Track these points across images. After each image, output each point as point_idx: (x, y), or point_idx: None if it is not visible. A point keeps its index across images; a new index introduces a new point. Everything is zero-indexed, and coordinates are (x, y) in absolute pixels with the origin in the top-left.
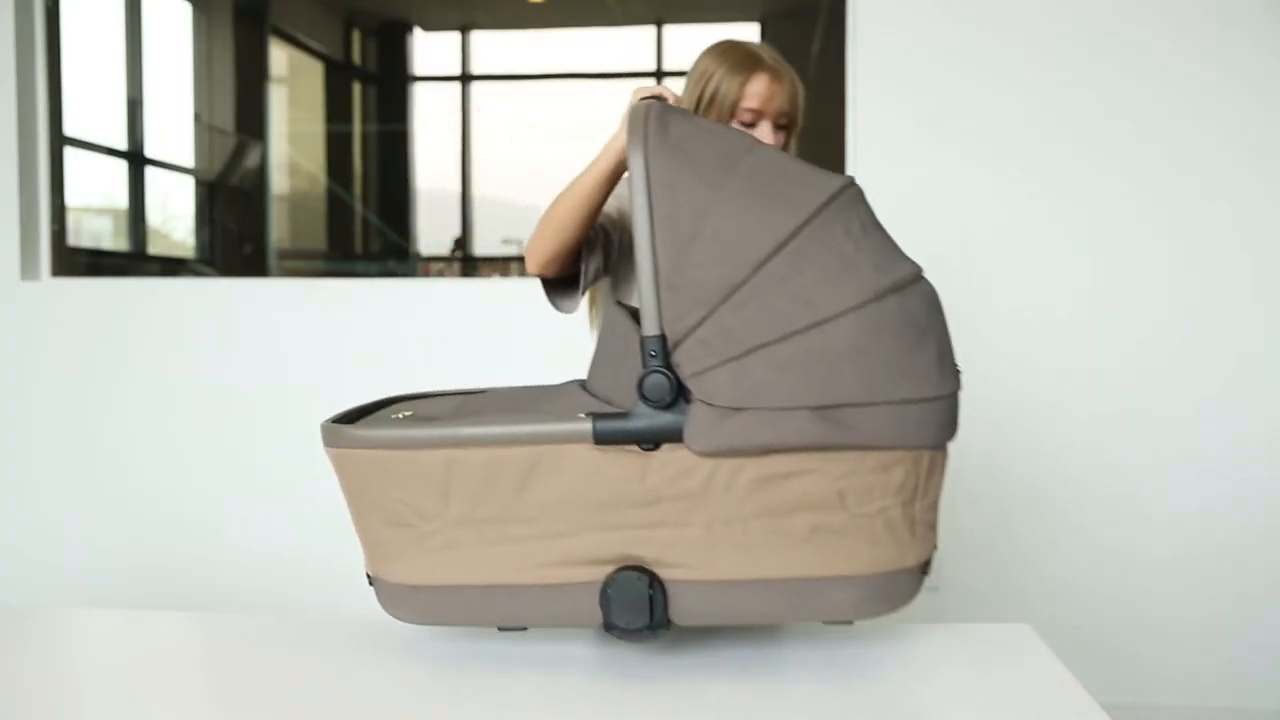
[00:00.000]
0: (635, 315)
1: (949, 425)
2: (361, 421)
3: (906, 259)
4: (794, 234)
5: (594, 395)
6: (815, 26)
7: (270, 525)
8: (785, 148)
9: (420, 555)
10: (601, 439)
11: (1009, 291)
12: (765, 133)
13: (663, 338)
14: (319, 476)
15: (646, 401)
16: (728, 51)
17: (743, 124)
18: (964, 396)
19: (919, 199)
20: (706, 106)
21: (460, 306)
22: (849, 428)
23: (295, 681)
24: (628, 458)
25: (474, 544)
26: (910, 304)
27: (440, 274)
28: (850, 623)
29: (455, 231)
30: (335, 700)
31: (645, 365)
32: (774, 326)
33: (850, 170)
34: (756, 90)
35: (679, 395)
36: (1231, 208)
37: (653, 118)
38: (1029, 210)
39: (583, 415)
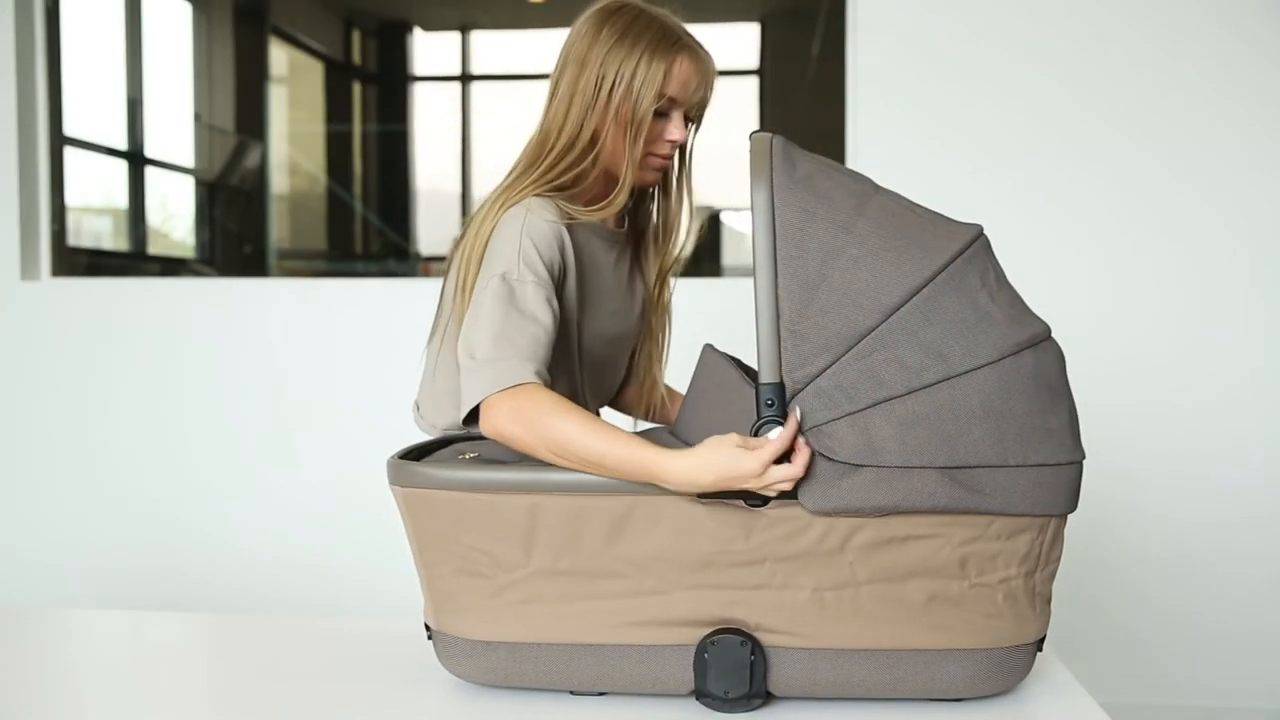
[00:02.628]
0: (735, 362)
1: (1077, 493)
2: (429, 459)
3: (1036, 315)
4: (927, 282)
5: (688, 444)
6: (815, 27)
7: (270, 526)
8: (688, 146)
9: (495, 609)
10: (705, 491)
11: None
12: (677, 126)
13: (780, 386)
14: (318, 477)
15: None
16: (634, 23)
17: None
18: None
19: (917, 199)
20: (615, 97)
21: None
22: (978, 491)
23: (295, 681)
24: (732, 513)
25: (556, 599)
26: (1045, 362)
27: (440, 274)
28: (959, 700)
29: (455, 232)
30: (335, 700)
31: (760, 414)
32: (902, 380)
33: None
34: (682, 76)
35: (793, 448)
36: (1231, 213)
37: (778, 151)
38: (1026, 212)
39: None
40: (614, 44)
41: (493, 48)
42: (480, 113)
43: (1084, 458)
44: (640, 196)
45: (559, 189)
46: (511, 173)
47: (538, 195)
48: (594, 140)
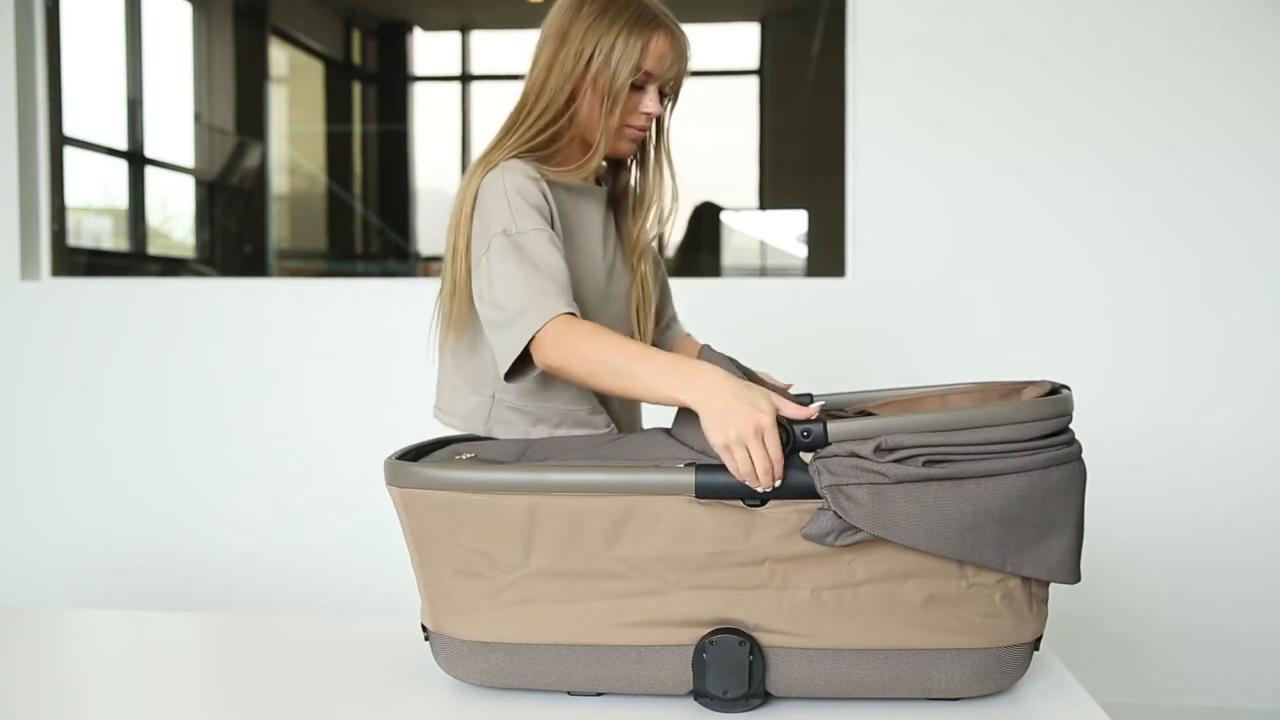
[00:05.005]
0: (733, 362)
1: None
2: (427, 460)
3: (1074, 434)
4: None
5: (686, 445)
6: (815, 27)
7: (270, 526)
8: (663, 121)
9: (493, 610)
10: (704, 492)
11: (1007, 293)
12: (652, 99)
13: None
14: (318, 476)
15: None
16: (613, 1)
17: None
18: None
19: (918, 199)
20: (594, 68)
21: None
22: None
23: (293, 682)
24: (731, 513)
25: (555, 599)
26: (1069, 477)
27: (440, 274)
28: (957, 699)
29: None
30: (333, 700)
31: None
32: (938, 466)
33: (850, 170)
34: (659, 51)
35: (794, 450)
36: (1232, 211)
37: None
38: (1027, 212)
39: (683, 465)
40: (594, 20)
41: (493, 48)
42: (480, 113)
43: (1077, 581)
44: (618, 167)
45: (532, 150)
46: (490, 142)
47: (513, 157)
48: (569, 103)
